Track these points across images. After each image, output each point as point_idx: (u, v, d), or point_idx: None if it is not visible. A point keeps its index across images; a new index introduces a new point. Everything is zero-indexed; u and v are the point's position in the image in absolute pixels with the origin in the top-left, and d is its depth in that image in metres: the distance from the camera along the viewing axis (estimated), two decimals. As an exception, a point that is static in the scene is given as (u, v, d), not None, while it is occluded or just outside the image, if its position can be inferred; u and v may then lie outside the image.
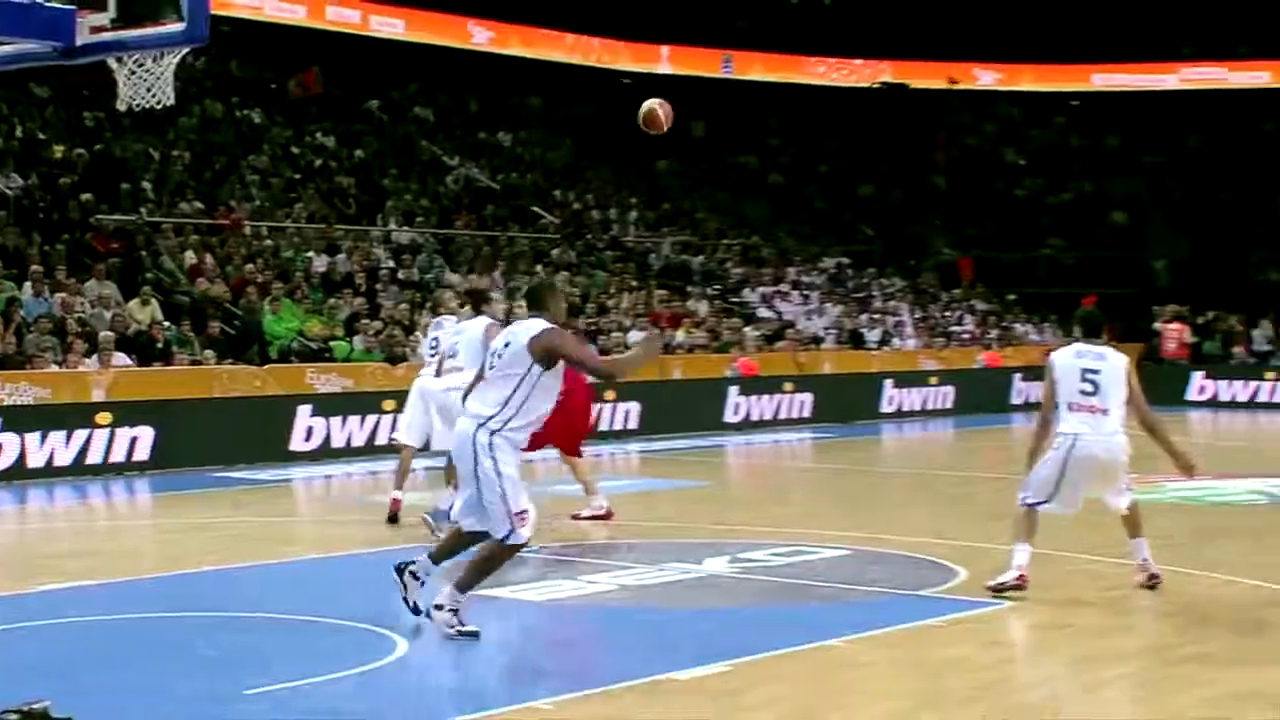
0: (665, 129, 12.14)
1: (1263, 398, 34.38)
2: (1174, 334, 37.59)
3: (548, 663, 10.02)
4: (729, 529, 12.48)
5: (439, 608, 10.13)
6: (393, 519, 15.63)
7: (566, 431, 15.77)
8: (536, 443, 14.39)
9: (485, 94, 44.86)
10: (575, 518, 15.98)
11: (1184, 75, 52.26)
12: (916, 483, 21.35)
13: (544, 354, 10.02)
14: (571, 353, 10.31)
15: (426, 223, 34.96)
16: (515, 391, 10.04)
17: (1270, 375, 34.90)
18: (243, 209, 31.60)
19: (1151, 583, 11.67)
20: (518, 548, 10.19)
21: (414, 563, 10.44)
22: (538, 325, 10.20)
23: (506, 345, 10.22)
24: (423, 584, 10.40)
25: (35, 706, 3.75)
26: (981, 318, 40.93)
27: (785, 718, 8.30)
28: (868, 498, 19.94)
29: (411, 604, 10.34)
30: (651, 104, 12.11)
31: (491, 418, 10.02)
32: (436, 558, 10.49)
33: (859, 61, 51.33)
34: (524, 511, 10.05)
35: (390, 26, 42.53)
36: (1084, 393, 11.40)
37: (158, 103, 9.27)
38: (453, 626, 10.03)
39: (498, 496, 9.94)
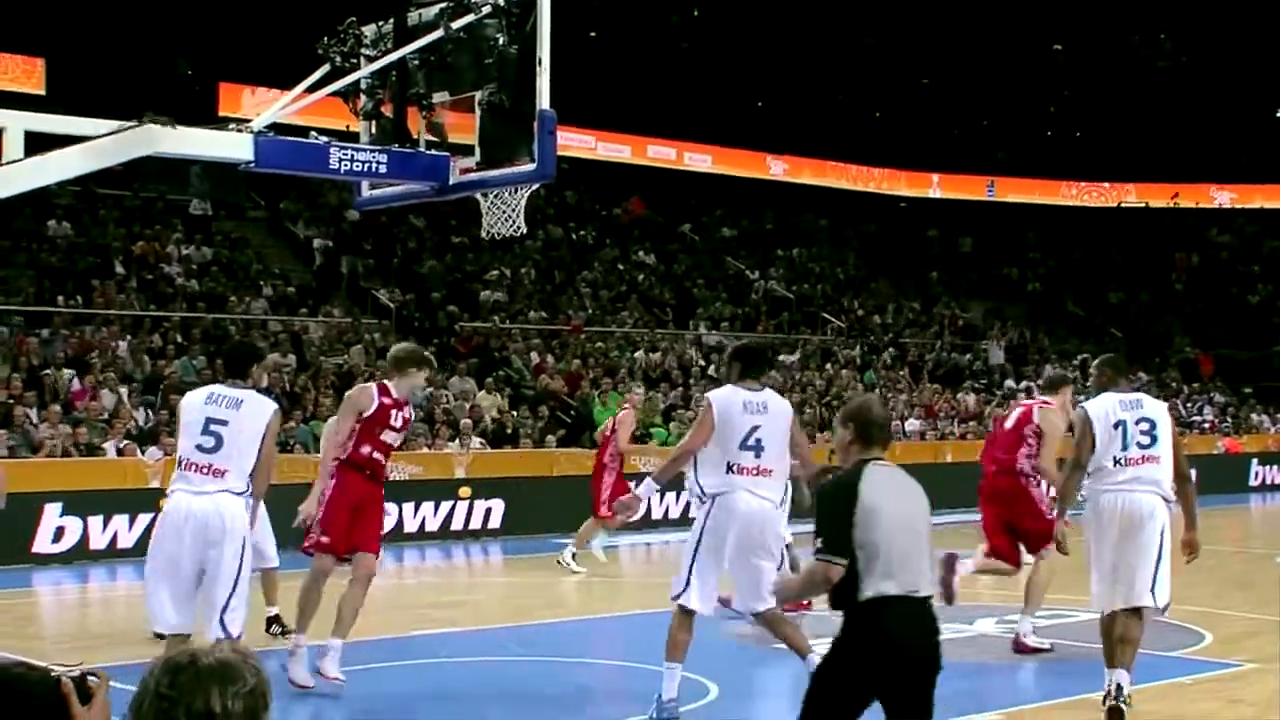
0: None
1: None
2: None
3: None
4: (995, 593, 12.18)
5: None
6: None
7: None
8: None
9: (781, 216, 45.02)
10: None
11: (1406, 191, 50.04)
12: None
13: None
14: None
15: (731, 327, 35.08)
16: None
17: None
18: (579, 316, 32.18)
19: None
20: None
21: None
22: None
23: (1149, 418, 9.24)
24: None
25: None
26: (1220, 408, 39.54)
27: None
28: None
29: None
30: None
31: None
32: None
33: (1106, 185, 50.30)
34: None
35: (701, 161, 43.05)
36: None
37: (515, 231, 9.46)
38: None
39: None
